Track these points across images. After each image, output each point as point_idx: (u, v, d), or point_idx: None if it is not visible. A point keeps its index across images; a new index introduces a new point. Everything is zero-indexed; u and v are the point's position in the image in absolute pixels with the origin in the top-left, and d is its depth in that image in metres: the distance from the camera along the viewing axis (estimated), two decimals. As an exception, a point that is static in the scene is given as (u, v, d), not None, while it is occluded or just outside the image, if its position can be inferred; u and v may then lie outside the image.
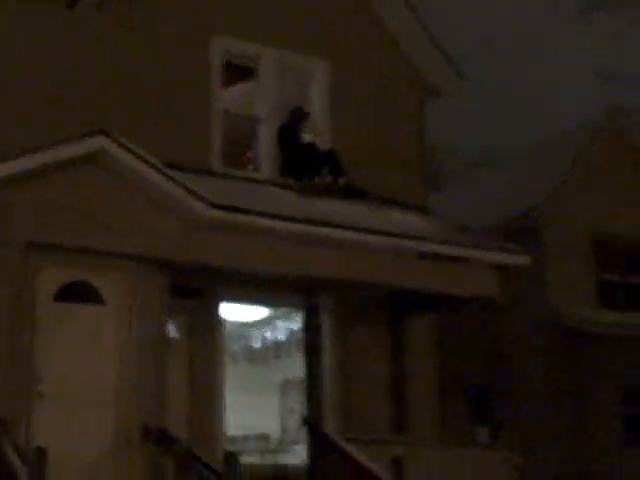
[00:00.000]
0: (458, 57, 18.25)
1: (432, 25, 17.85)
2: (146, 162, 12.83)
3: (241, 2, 16.15)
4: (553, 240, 23.68)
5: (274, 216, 13.75)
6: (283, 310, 16.34)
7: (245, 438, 15.30)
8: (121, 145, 12.71)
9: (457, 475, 14.20)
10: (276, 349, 17.30)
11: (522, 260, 15.90)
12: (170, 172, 13.05)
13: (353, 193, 15.85)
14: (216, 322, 14.62)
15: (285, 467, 14.55)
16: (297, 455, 14.83)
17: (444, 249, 15.10)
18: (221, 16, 15.96)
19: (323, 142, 16.54)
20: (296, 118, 16.28)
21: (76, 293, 12.58)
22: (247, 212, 13.52)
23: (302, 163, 15.98)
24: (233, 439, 14.30)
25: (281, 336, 17.14)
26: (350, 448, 12.99)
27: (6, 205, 11.95)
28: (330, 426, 14.26)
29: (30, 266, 12.15)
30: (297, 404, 15.78)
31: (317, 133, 16.64)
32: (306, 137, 16.42)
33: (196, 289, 14.16)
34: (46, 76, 14.23)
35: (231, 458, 11.14)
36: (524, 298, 21.20)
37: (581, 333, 22.84)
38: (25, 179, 12.06)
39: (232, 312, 15.38)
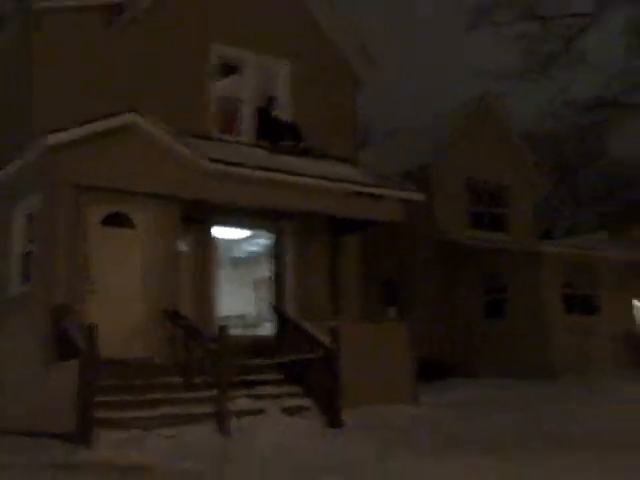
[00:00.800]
0: (382, 52, 18.01)
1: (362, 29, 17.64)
2: (164, 130, 12.63)
3: (230, 20, 15.70)
4: (439, 184, 23.63)
5: (253, 167, 13.60)
6: (258, 231, 16.09)
7: (231, 317, 15.19)
8: (147, 119, 12.48)
9: (375, 337, 14.16)
10: (253, 258, 17.16)
11: (419, 197, 15.80)
12: (180, 138, 12.82)
13: (307, 152, 15.59)
14: (212, 240, 14.40)
15: (259, 337, 14.51)
16: (267, 329, 14.78)
17: (366, 189, 14.95)
18: (217, 29, 15.50)
19: (287, 117, 16.22)
20: (268, 104, 16.04)
21: (115, 220, 12.42)
22: (234, 164, 13.39)
23: (272, 132, 15.75)
24: (223, 318, 14.16)
25: (256, 248, 16.98)
26: (302, 322, 13.01)
27: (67, 161, 11.69)
28: (289, 309, 14.22)
29: (83, 202, 11.97)
30: (266, 295, 15.68)
31: (283, 110, 16.31)
32: (275, 114, 16.11)
33: (198, 217, 13.92)
34: (91, 71, 13.78)
35: (223, 330, 11.14)
36: (419, 221, 21.16)
37: (457, 245, 22.93)
38: (80, 142, 11.79)
39: (223, 233, 15.13)
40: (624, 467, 7.70)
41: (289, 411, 11.42)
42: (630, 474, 7.41)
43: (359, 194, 14.79)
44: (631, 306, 23.34)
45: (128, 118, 12.32)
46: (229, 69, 16.16)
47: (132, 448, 9.22)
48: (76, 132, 11.75)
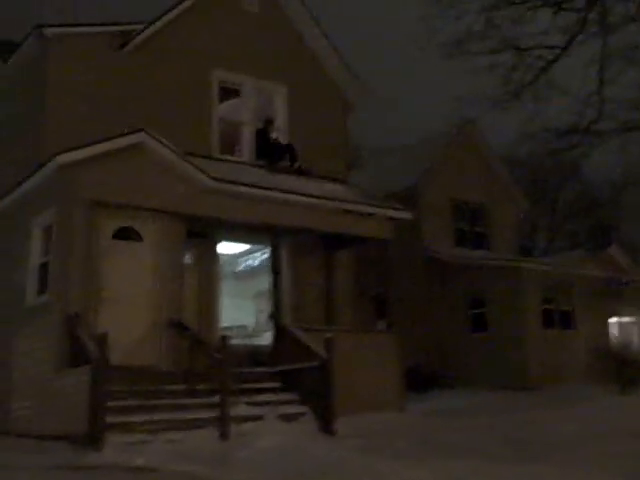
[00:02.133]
0: (370, 79, 18.24)
1: (351, 57, 17.88)
2: (170, 150, 12.79)
3: (230, 47, 15.93)
4: (425, 203, 23.84)
5: (251, 185, 13.74)
6: (257, 246, 16.24)
7: (232, 328, 15.26)
8: (154, 138, 12.64)
9: (365, 348, 14.32)
10: (252, 271, 17.23)
11: (406, 215, 16.00)
12: (186, 156, 12.96)
13: (302, 172, 15.75)
14: (214, 254, 14.50)
15: (257, 346, 14.57)
16: (265, 339, 14.80)
17: (357, 207, 15.13)
18: (218, 56, 15.73)
19: (283, 138, 16.40)
20: (266, 125, 16.19)
21: (125, 234, 12.51)
22: (234, 183, 13.53)
23: (270, 152, 15.91)
24: (225, 328, 14.24)
25: (256, 263, 17.08)
26: (298, 333, 13.11)
27: (80, 178, 11.83)
28: (286, 320, 14.26)
29: (96, 217, 12.09)
30: (265, 306, 15.75)
31: (279, 132, 16.49)
32: (273, 135, 16.28)
33: (202, 232, 14.00)
34: (100, 94, 14.02)
35: (224, 340, 11.23)
36: (407, 239, 21.35)
37: (443, 262, 23.10)
38: (92, 160, 11.94)
39: (225, 247, 15.25)
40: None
41: (286, 418, 11.50)
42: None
43: (350, 212, 14.97)
44: (606, 323, 23.57)
45: (137, 138, 12.47)
46: (230, 93, 16.32)
47: (138, 451, 9.27)
48: (88, 151, 11.89)
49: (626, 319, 26.21)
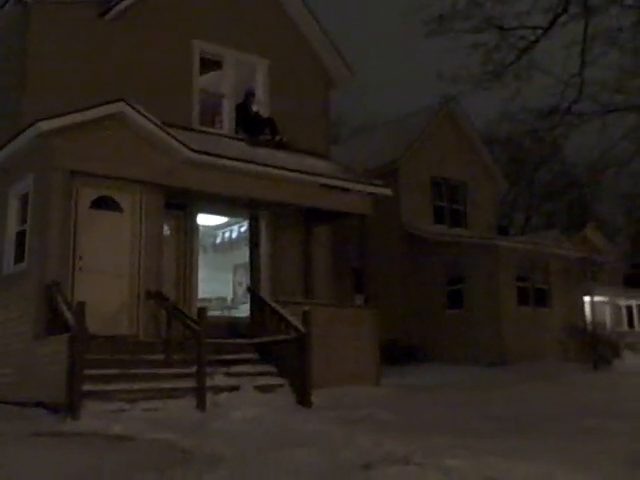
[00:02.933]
0: (351, 55, 18.22)
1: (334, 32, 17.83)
2: (150, 120, 12.70)
3: (212, 18, 15.83)
4: (405, 180, 23.99)
5: (231, 158, 13.72)
6: (236, 219, 16.25)
7: (210, 300, 15.33)
8: (134, 109, 12.55)
9: (343, 322, 14.48)
10: (231, 244, 17.20)
11: (386, 191, 16.06)
12: (166, 127, 12.91)
13: (282, 146, 15.73)
14: (194, 225, 14.47)
15: (236, 318, 14.67)
16: (243, 310, 14.89)
17: (337, 182, 15.16)
18: (199, 26, 15.62)
19: (264, 111, 16.37)
20: (247, 97, 16.11)
21: (104, 204, 12.44)
22: (214, 155, 13.49)
23: (251, 125, 15.88)
24: (203, 300, 14.32)
25: (234, 235, 17.05)
26: (276, 306, 13.17)
27: (59, 146, 11.75)
28: (264, 292, 14.34)
29: (74, 186, 12.03)
30: (243, 278, 15.83)
31: (260, 105, 16.46)
32: (254, 108, 16.24)
33: (182, 204, 14.02)
34: (81, 62, 13.92)
35: (202, 312, 11.32)
36: (386, 215, 21.46)
37: (421, 239, 23.28)
38: (72, 128, 11.86)
39: (204, 219, 15.23)
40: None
41: (263, 389, 11.61)
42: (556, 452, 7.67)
43: (330, 187, 15.00)
44: (580, 301, 23.91)
45: (116, 107, 12.36)
46: (211, 64, 16.22)
47: (115, 419, 9.30)
48: (67, 119, 11.80)
49: (599, 298, 26.61)
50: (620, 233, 44.78)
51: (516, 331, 20.96)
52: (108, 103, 12.28)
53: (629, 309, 31.66)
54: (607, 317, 29.52)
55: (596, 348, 20.31)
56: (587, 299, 24.82)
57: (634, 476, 6.31)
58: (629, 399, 12.76)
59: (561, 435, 8.58)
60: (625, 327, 30.62)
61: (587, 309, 24.73)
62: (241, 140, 15.45)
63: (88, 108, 12.04)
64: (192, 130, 14.82)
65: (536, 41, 13.88)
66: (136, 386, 10.39)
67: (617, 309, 30.79)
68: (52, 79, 13.39)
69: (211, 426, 9.31)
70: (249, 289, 14.16)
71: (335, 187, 15.05)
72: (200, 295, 14.26)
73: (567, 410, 11.11)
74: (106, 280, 12.00)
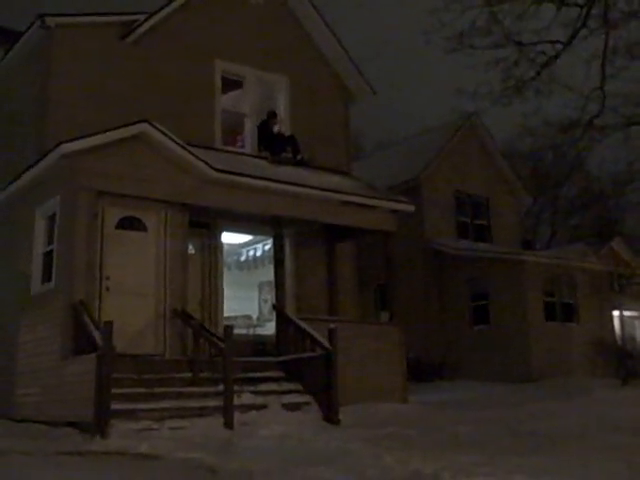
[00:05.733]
0: (371, 73, 18.33)
1: (354, 50, 17.96)
2: (173, 141, 12.82)
3: (233, 38, 16.05)
4: (428, 195, 24.03)
5: (254, 177, 13.81)
6: (260, 236, 16.35)
7: (236, 318, 15.39)
8: (157, 129, 12.68)
9: (368, 339, 14.47)
10: (255, 261, 17.31)
11: (408, 208, 16.09)
12: (188, 147, 13.06)
13: (304, 164, 15.83)
14: (218, 244, 14.60)
15: (261, 336, 14.76)
16: (269, 328, 14.97)
17: (359, 199, 15.21)
18: (220, 46, 15.85)
19: (285, 129, 16.49)
20: (269, 117, 16.25)
21: (129, 224, 12.61)
22: (237, 174, 13.60)
23: (273, 144, 16.01)
24: (228, 318, 14.39)
25: (259, 253, 17.15)
26: (302, 323, 13.20)
27: (84, 166, 11.93)
28: (289, 309, 14.39)
29: (100, 206, 12.20)
30: (269, 296, 15.90)
31: (281, 123, 16.58)
32: (276, 127, 16.37)
33: (205, 222, 14.17)
34: (103, 84, 14.19)
35: (228, 330, 11.34)
36: (409, 231, 21.50)
37: (444, 254, 23.26)
38: (97, 149, 12.03)
39: (228, 237, 15.35)
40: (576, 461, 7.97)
41: (289, 407, 11.65)
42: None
43: (352, 204, 15.06)
44: (608, 316, 23.71)
45: (139, 128, 12.51)
46: (233, 84, 16.41)
47: (143, 438, 9.36)
48: (91, 140, 11.95)
49: (628, 312, 26.36)
50: (647, 246, 44.35)
51: (543, 347, 20.83)
52: (131, 124, 12.44)
53: (659, 323, 31.29)
54: (637, 332, 29.20)
55: (625, 363, 20.11)
56: (616, 313, 24.61)
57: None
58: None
59: (589, 452, 8.49)
60: (655, 342, 30.25)
61: (616, 323, 24.51)
62: (263, 158, 15.57)
63: (111, 129, 12.20)
64: (215, 149, 14.98)
65: (556, 56, 13.93)
66: (163, 405, 10.48)
67: (646, 323, 30.44)
68: (75, 101, 13.63)
69: (239, 444, 9.35)
70: (274, 306, 14.21)
71: (357, 204, 15.11)
72: (225, 313, 14.36)
73: (595, 427, 11.01)
74: (132, 299, 12.13)
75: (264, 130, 16.14)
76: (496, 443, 9.49)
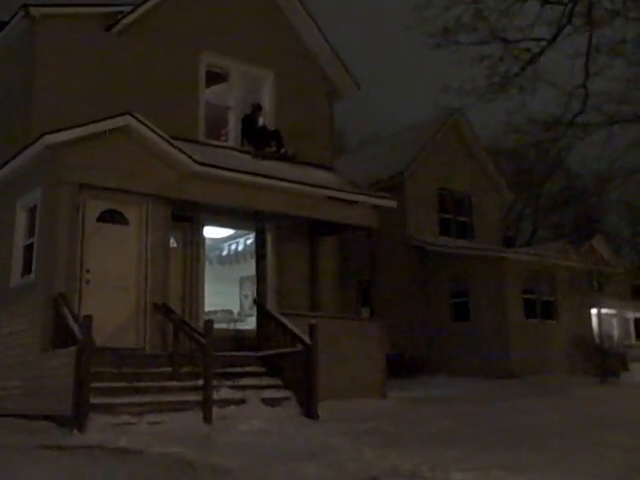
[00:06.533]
0: (356, 67, 18.30)
1: (339, 45, 17.94)
2: (156, 133, 12.77)
3: (218, 31, 15.95)
4: (411, 192, 24.07)
5: (237, 171, 13.79)
6: (242, 231, 16.32)
7: (216, 312, 15.38)
8: (140, 122, 12.62)
9: (349, 334, 14.49)
10: (237, 256, 17.31)
11: (391, 203, 16.12)
12: (172, 140, 13.00)
13: (287, 158, 15.80)
14: (200, 238, 14.56)
15: (242, 331, 14.69)
16: (250, 323, 14.94)
17: (342, 194, 15.24)
18: (205, 40, 15.75)
19: (270, 124, 16.45)
20: (254, 110, 16.18)
21: (110, 217, 12.55)
22: (220, 167, 13.57)
23: (257, 138, 15.96)
24: (209, 312, 14.38)
25: (240, 247, 17.14)
26: (283, 318, 13.16)
27: (66, 159, 11.86)
28: (270, 305, 14.36)
29: (81, 199, 12.12)
30: (250, 291, 15.88)
31: (266, 117, 16.53)
32: (260, 121, 16.32)
33: (188, 216, 14.12)
34: (87, 75, 14.09)
35: (208, 324, 11.31)
36: (392, 228, 21.55)
37: (426, 251, 23.32)
38: (78, 141, 11.96)
39: (210, 231, 15.32)
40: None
41: (269, 402, 11.61)
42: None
43: (335, 199, 15.06)
44: (587, 313, 23.89)
45: (123, 120, 12.45)
46: (217, 77, 16.34)
47: (122, 433, 9.31)
48: (74, 132, 11.89)
49: (606, 310, 26.61)
50: (627, 244, 44.71)
51: (523, 343, 20.96)
52: (114, 116, 12.38)
53: (637, 322, 31.61)
54: (615, 329, 29.48)
55: (603, 361, 20.28)
56: (594, 311, 24.81)
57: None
58: (636, 412, 12.75)
59: (566, 448, 8.58)
60: (633, 340, 30.57)
61: (594, 321, 24.71)
62: (247, 153, 15.53)
63: (94, 121, 12.14)
64: (198, 143, 14.92)
65: (540, 53, 13.97)
66: (143, 399, 10.43)
67: (625, 321, 30.75)
68: (59, 92, 13.53)
69: (218, 439, 9.33)
70: (255, 302, 14.20)
71: (340, 199, 15.11)
72: (206, 308, 14.33)
73: (573, 423, 11.11)
74: (113, 293, 12.08)
75: (249, 123, 16.06)
76: (476, 439, 9.55)
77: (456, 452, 8.09)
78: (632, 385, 18.97)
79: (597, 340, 22.81)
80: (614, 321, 29.70)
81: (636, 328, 31.43)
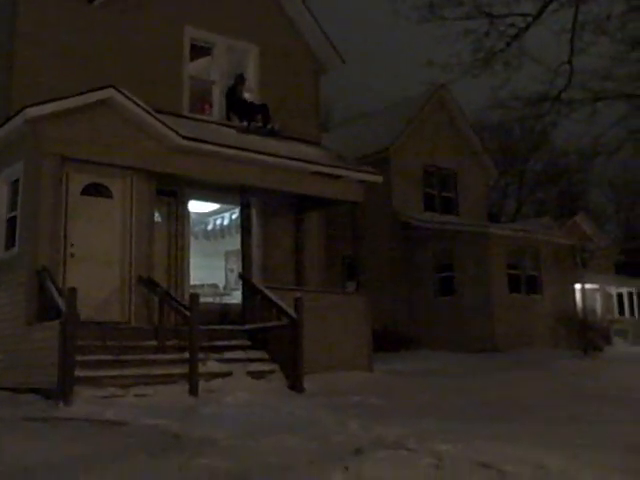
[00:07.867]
0: (342, 44, 18.17)
1: (324, 20, 17.81)
2: (140, 107, 12.66)
3: (203, 4, 15.80)
4: (396, 167, 24.04)
5: (221, 145, 13.70)
6: (227, 205, 16.25)
7: (202, 286, 15.36)
8: (124, 95, 12.50)
9: (335, 309, 14.54)
10: (222, 230, 17.26)
11: (377, 179, 16.09)
12: (155, 114, 12.89)
13: (274, 133, 15.70)
14: (185, 212, 14.47)
15: (228, 305, 14.71)
16: (235, 297, 14.94)
17: (327, 169, 15.17)
18: (190, 13, 15.59)
19: (255, 98, 16.33)
20: (237, 82, 16.02)
21: (94, 190, 12.46)
22: (204, 141, 13.47)
23: (242, 112, 15.85)
24: (195, 286, 14.35)
25: (226, 222, 17.09)
26: (268, 292, 13.18)
27: (48, 132, 11.73)
28: (256, 279, 14.32)
29: (65, 172, 12.02)
30: (235, 265, 15.87)
31: (251, 92, 16.44)
32: (245, 94, 16.21)
33: (172, 190, 14.04)
34: (70, 47, 13.87)
35: (194, 298, 11.29)
36: (378, 203, 21.56)
37: (411, 226, 23.35)
38: (61, 114, 11.84)
39: (195, 206, 15.24)
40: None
41: (255, 375, 11.68)
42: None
43: (321, 174, 15.01)
44: (571, 288, 24.06)
45: (106, 93, 12.32)
46: (201, 51, 16.19)
47: (108, 405, 9.32)
48: (57, 105, 11.77)
49: (589, 285, 26.79)
50: (610, 220, 45.01)
51: (507, 318, 21.09)
52: (97, 89, 12.25)
53: (620, 296, 31.86)
54: (598, 304, 29.72)
55: (586, 335, 20.45)
56: (578, 286, 24.97)
57: (618, 458, 6.38)
58: (617, 385, 12.87)
59: (550, 420, 8.65)
60: (616, 314, 30.84)
61: (578, 296, 24.88)
62: (232, 127, 15.43)
63: (77, 94, 12.01)
64: (182, 117, 14.80)
65: (526, 28, 13.92)
66: (128, 372, 10.44)
67: (608, 296, 30.98)
68: (41, 64, 13.36)
69: (203, 411, 9.35)
70: (241, 276, 14.18)
71: (326, 174, 15.06)
72: (192, 282, 14.30)
73: (556, 396, 11.22)
74: (97, 266, 12.03)
75: (232, 95, 15.92)
76: (462, 411, 9.64)
77: (441, 424, 8.14)
78: (614, 359, 19.13)
79: (581, 315, 22.98)
80: (597, 296, 29.92)
81: (619, 303, 31.70)
